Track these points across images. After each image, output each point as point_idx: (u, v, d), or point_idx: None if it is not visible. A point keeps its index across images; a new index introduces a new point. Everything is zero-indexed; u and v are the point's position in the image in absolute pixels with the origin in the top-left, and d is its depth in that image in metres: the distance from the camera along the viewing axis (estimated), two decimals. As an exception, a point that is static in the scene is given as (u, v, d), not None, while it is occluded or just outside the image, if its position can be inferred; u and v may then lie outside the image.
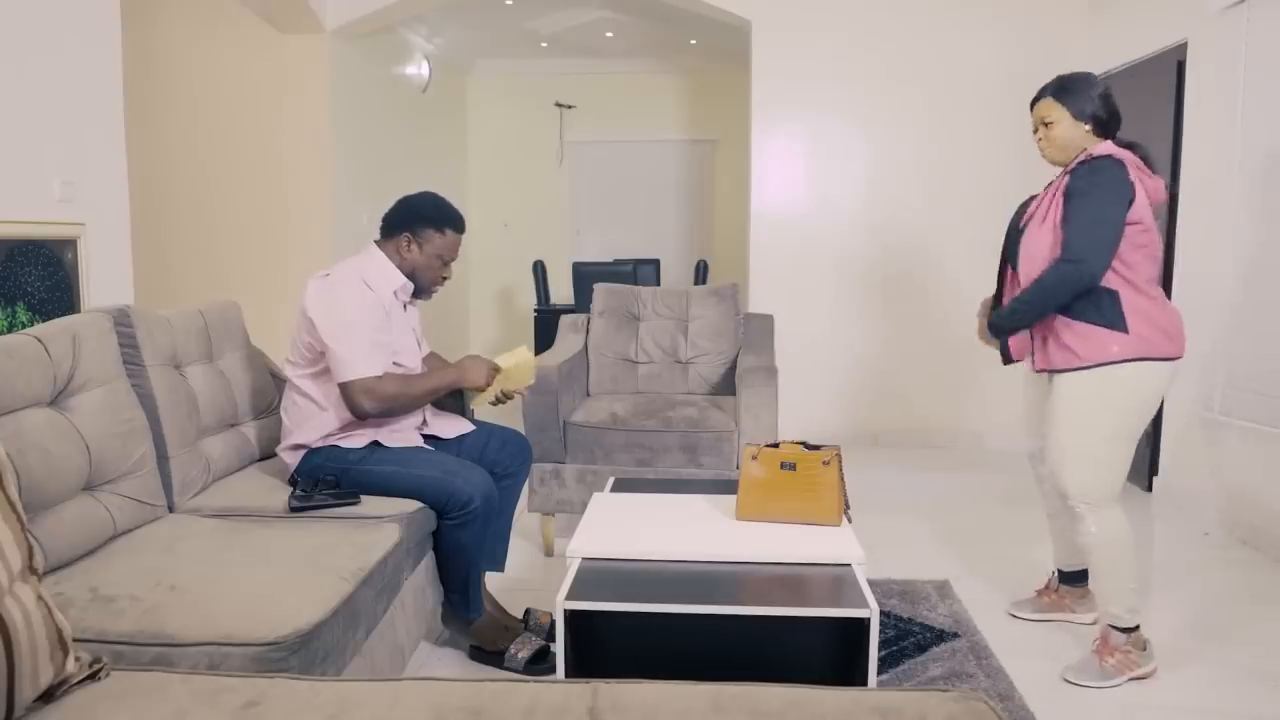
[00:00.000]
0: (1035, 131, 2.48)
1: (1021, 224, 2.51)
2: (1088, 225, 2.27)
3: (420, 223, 2.48)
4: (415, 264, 2.49)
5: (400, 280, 2.48)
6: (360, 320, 2.34)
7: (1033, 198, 2.56)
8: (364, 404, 2.33)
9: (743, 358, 3.65)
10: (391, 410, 2.40)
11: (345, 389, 2.33)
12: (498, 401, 2.57)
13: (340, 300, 2.35)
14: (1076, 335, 2.35)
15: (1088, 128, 2.39)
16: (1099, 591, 2.45)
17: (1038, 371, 2.52)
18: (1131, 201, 2.27)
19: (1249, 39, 3.50)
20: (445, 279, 2.57)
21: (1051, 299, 2.33)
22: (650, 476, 3.23)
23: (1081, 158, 2.37)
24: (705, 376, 3.79)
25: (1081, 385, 2.36)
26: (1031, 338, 2.52)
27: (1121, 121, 2.43)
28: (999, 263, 2.62)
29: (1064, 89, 2.42)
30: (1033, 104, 2.49)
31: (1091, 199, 2.28)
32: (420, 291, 2.56)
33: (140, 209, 3.71)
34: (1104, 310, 2.31)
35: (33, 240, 2.92)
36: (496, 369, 2.51)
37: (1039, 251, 2.39)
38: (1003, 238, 2.60)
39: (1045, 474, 2.64)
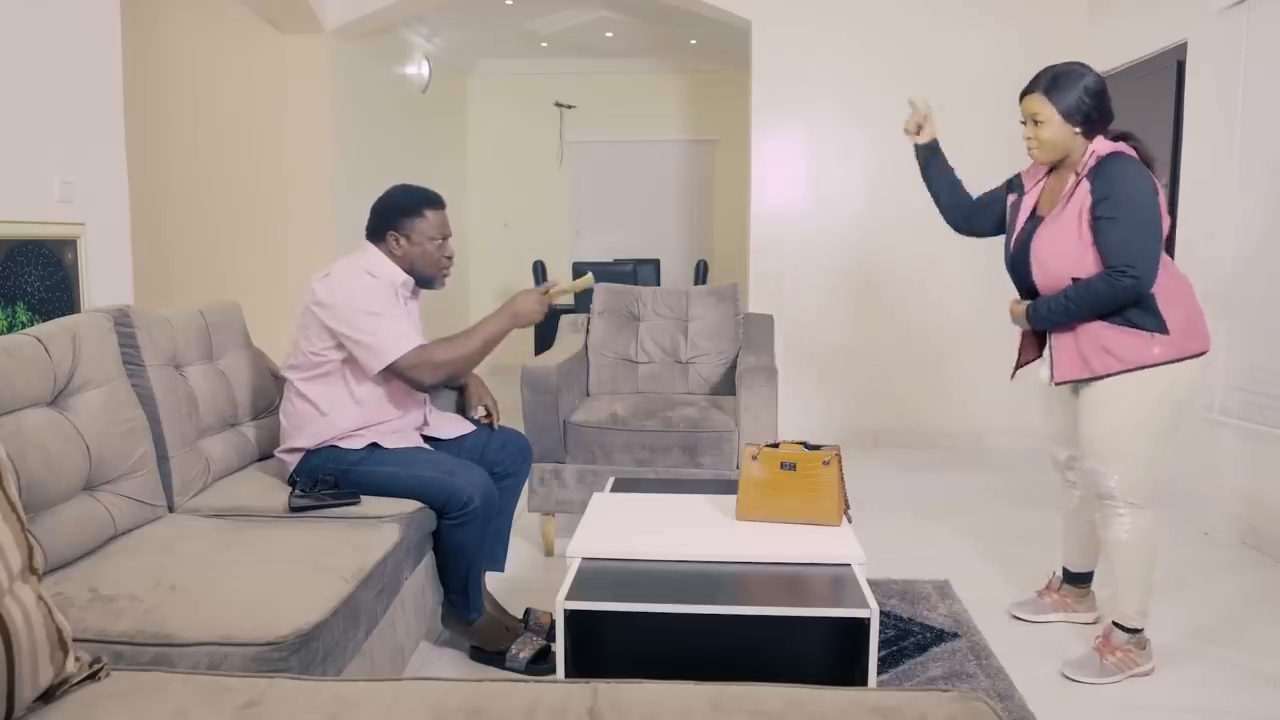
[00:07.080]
0: (1024, 123, 2.40)
1: (1018, 224, 2.48)
2: (1133, 234, 2.21)
3: (398, 215, 2.45)
4: (412, 256, 2.46)
5: (401, 276, 2.47)
6: (379, 305, 2.34)
7: (1013, 180, 2.53)
8: (421, 377, 2.34)
9: (743, 358, 3.65)
10: (455, 373, 2.42)
11: (394, 370, 2.33)
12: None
13: (353, 291, 2.34)
14: (1119, 337, 2.31)
15: (1077, 130, 2.33)
16: (1115, 589, 2.43)
17: (1058, 384, 2.45)
18: (1157, 196, 2.25)
19: (1249, 39, 3.50)
20: (449, 259, 2.53)
21: (1101, 307, 2.28)
22: (650, 476, 3.23)
23: (1091, 162, 2.30)
24: (705, 376, 3.79)
25: (1123, 387, 2.33)
26: (1050, 346, 2.44)
27: (1111, 118, 2.36)
28: (1005, 252, 2.55)
29: (1056, 84, 2.32)
30: (1022, 95, 2.40)
31: (1127, 205, 2.22)
32: (430, 281, 2.52)
33: (140, 209, 3.71)
34: (1145, 312, 2.28)
35: (33, 240, 2.92)
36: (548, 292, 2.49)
37: (1062, 263, 2.33)
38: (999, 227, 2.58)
39: (1079, 479, 2.62)
